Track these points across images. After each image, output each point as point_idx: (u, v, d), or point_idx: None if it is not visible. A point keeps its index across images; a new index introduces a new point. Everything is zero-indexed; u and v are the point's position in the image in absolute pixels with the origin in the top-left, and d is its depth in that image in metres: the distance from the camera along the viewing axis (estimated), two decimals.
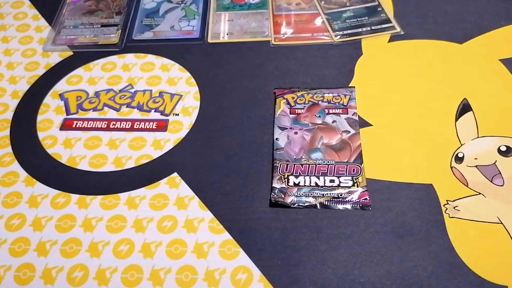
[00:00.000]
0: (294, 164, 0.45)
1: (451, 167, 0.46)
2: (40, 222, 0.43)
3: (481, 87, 0.53)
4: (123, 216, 0.44)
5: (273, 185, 0.44)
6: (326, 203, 0.43)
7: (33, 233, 0.43)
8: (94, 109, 0.53)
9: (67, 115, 0.53)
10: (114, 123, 0.52)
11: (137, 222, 0.43)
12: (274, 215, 0.43)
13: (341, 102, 0.51)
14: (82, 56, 0.60)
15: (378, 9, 0.64)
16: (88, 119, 0.52)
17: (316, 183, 0.44)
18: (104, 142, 0.50)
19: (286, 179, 0.44)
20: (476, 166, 0.46)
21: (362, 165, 0.45)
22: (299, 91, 0.53)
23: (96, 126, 0.51)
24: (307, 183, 0.44)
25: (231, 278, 0.39)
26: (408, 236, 0.42)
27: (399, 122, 0.50)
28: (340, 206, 0.43)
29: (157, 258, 0.41)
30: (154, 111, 0.53)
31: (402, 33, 0.60)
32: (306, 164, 0.45)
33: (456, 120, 0.50)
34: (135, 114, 0.53)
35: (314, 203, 0.43)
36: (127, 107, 0.53)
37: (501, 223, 0.42)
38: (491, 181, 0.45)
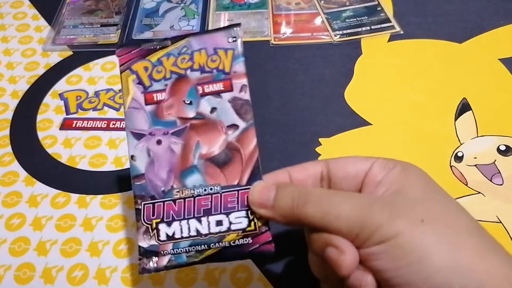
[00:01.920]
0: (164, 202, 0.29)
1: (451, 166, 0.46)
2: (40, 222, 0.43)
3: (481, 87, 0.53)
4: (123, 216, 0.44)
5: (139, 243, 0.29)
6: (217, 257, 0.29)
7: (33, 232, 0.43)
8: (94, 109, 0.53)
9: (67, 114, 0.53)
10: (114, 122, 0.52)
11: None
12: None
13: (220, 67, 0.31)
14: (81, 55, 0.60)
15: (378, 9, 0.64)
16: (88, 119, 0.52)
17: (197, 230, 0.29)
18: (104, 142, 0.50)
19: (155, 231, 0.29)
20: (475, 165, 0.46)
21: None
22: (154, 48, 0.31)
23: (96, 126, 0.51)
24: (186, 233, 0.29)
25: (231, 277, 0.39)
26: None
27: (399, 121, 0.50)
28: (235, 257, 0.30)
29: None
30: None
31: (402, 32, 0.60)
32: (180, 198, 0.29)
33: (456, 119, 0.50)
34: None
35: (199, 259, 0.29)
36: None
37: (500, 222, 0.42)
38: (491, 180, 0.45)
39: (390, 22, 0.62)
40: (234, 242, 0.29)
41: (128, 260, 0.41)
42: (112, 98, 0.54)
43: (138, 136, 0.30)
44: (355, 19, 0.62)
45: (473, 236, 0.25)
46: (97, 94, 0.55)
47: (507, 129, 0.49)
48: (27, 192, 0.46)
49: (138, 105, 0.29)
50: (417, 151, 0.48)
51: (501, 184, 0.44)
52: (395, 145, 0.48)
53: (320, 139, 0.49)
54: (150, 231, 0.29)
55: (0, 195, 0.46)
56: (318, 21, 0.63)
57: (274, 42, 0.60)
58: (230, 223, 0.28)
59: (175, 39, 0.31)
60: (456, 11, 0.63)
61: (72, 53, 0.60)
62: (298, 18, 0.63)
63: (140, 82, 0.30)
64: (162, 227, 0.29)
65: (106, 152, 0.49)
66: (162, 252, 0.29)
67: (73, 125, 0.52)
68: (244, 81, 0.30)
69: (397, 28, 0.60)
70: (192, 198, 0.29)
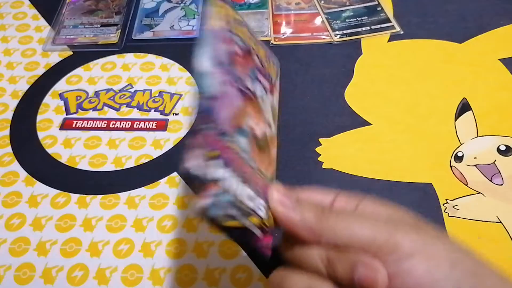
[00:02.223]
0: (223, 141, 0.24)
1: (451, 166, 0.46)
2: (40, 222, 0.43)
3: (481, 87, 0.53)
4: (123, 216, 0.44)
5: (188, 164, 0.22)
6: (235, 233, 0.25)
7: (33, 232, 0.43)
8: (94, 109, 0.53)
9: (67, 114, 0.53)
10: (114, 122, 0.52)
11: (137, 221, 0.43)
12: None
13: (269, 72, 0.30)
14: (81, 55, 0.60)
15: (378, 9, 0.64)
16: (88, 119, 0.52)
17: (238, 193, 0.24)
18: (104, 142, 0.50)
19: (209, 162, 0.23)
20: (475, 165, 0.46)
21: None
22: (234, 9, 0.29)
23: (96, 126, 0.51)
24: (232, 189, 0.24)
25: (231, 277, 0.39)
26: None
27: (399, 121, 0.50)
28: (244, 244, 0.27)
29: (157, 258, 0.41)
30: (154, 111, 0.53)
31: (402, 32, 0.60)
32: (232, 149, 0.24)
33: (456, 119, 0.50)
34: (135, 113, 0.53)
35: (225, 224, 0.24)
36: (126, 106, 0.53)
37: (500, 222, 0.42)
38: (491, 180, 0.45)
39: (390, 22, 0.61)
40: (252, 227, 0.25)
41: (128, 260, 0.41)
42: (112, 98, 0.54)
43: (218, 62, 0.24)
44: (355, 19, 0.62)
45: (478, 259, 0.25)
46: (97, 94, 0.55)
47: (507, 129, 0.49)
48: (27, 192, 0.46)
49: (220, 39, 0.25)
50: (417, 151, 0.48)
51: (501, 184, 0.44)
52: (395, 145, 0.48)
53: (320, 139, 0.49)
54: (205, 160, 0.22)
55: (0, 195, 0.46)
56: (318, 21, 0.63)
57: (274, 42, 0.60)
58: (257, 205, 0.25)
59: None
60: (456, 11, 0.63)
61: (72, 53, 0.60)
62: (298, 18, 0.63)
63: (226, 23, 0.26)
64: (219, 166, 0.22)
65: (106, 152, 0.49)
66: (206, 192, 0.22)
67: (73, 125, 0.52)
68: (277, 96, 0.31)
69: (397, 28, 0.60)
70: (240, 159, 0.24)
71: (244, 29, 0.27)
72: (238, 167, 0.23)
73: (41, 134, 0.51)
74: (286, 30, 0.62)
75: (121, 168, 0.48)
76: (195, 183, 0.22)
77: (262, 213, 0.25)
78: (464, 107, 0.51)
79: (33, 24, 0.64)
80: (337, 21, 0.62)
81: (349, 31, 0.61)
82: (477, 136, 0.48)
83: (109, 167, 0.48)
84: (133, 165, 0.48)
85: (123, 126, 0.51)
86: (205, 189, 0.22)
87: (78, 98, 0.55)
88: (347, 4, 0.65)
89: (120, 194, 0.45)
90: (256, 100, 0.27)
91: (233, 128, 0.24)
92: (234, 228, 0.24)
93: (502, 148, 0.47)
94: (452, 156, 0.47)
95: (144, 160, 0.48)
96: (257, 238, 0.25)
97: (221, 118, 0.23)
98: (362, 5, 0.64)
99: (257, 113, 0.27)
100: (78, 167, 0.48)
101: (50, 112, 0.53)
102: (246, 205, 0.24)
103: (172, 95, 0.54)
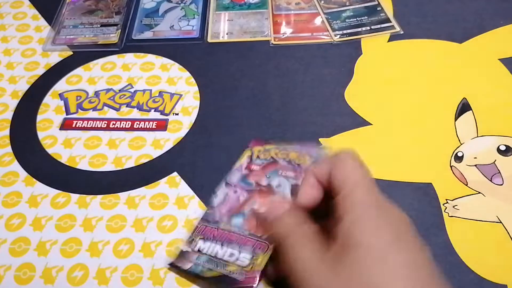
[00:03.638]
0: (211, 227, 0.37)
1: (451, 166, 0.46)
2: (40, 222, 0.43)
3: (481, 87, 0.53)
4: (123, 216, 0.44)
5: (182, 247, 0.35)
6: (217, 279, 0.34)
7: (33, 232, 0.43)
8: (94, 109, 0.53)
9: (67, 114, 0.53)
10: (114, 122, 0.52)
11: (137, 221, 0.43)
12: None
13: (300, 163, 0.41)
14: (81, 55, 0.60)
15: (378, 9, 0.64)
16: (88, 119, 0.52)
17: (216, 253, 0.35)
18: (104, 142, 0.50)
19: (195, 242, 0.36)
20: (475, 165, 0.46)
21: (271, 246, 0.34)
22: (270, 143, 0.42)
23: (96, 126, 0.51)
24: (209, 251, 0.35)
25: None
26: None
27: (399, 121, 0.50)
28: (227, 285, 0.34)
29: (157, 258, 0.41)
30: (154, 111, 0.53)
31: (402, 32, 0.60)
32: (221, 229, 0.37)
33: (456, 119, 0.50)
34: (135, 113, 0.53)
35: (206, 275, 0.34)
36: (126, 106, 0.53)
37: (500, 222, 0.42)
38: (491, 180, 0.45)
39: (390, 22, 0.61)
40: (231, 273, 0.34)
41: (128, 260, 0.41)
42: (112, 98, 0.54)
43: (228, 185, 0.40)
44: (355, 19, 0.62)
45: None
46: (97, 94, 0.55)
47: (507, 129, 0.49)
48: (27, 192, 0.46)
49: (240, 168, 0.41)
50: (417, 151, 0.48)
51: (501, 184, 0.44)
52: (395, 145, 0.48)
53: (320, 139, 0.49)
54: (192, 242, 0.36)
55: (0, 195, 0.46)
56: (318, 21, 0.63)
57: (274, 42, 0.60)
58: (238, 258, 0.35)
59: (289, 143, 0.40)
60: (456, 11, 0.63)
61: (72, 53, 0.60)
62: (298, 18, 0.63)
63: (250, 157, 0.41)
64: (200, 242, 0.36)
65: (106, 152, 0.49)
66: (190, 257, 0.35)
67: (73, 125, 0.52)
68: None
69: (397, 28, 0.60)
70: (229, 232, 0.37)
71: (275, 150, 0.41)
72: (221, 237, 0.36)
73: (41, 134, 0.51)
74: (286, 30, 0.62)
75: (121, 168, 0.48)
76: (183, 256, 0.34)
77: (244, 262, 0.34)
78: (464, 107, 0.51)
79: (33, 24, 0.64)
80: (337, 21, 0.62)
81: (349, 31, 0.61)
82: (477, 136, 0.48)
83: (109, 167, 0.48)
84: (133, 165, 0.48)
85: (123, 126, 0.51)
86: (189, 257, 0.34)
87: (78, 98, 0.55)
88: (347, 4, 0.65)
89: (120, 194, 0.45)
90: (269, 189, 0.39)
91: (228, 216, 0.37)
92: (215, 277, 0.34)
93: (502, 148, 0.47)
94: (452, 156, 0.47)
95: (144, 160, 0.48)
96: (237, 281, 0.34)
97: (218, 214, 0.37)
98: (362, 5, 0.64)
99: (266, 197, 0.38)
100: (78, 167, 0.48)
101: (50, 112, 0.53)
102: (223, 259, 0.34)
103: (172, 95, 0.54)
